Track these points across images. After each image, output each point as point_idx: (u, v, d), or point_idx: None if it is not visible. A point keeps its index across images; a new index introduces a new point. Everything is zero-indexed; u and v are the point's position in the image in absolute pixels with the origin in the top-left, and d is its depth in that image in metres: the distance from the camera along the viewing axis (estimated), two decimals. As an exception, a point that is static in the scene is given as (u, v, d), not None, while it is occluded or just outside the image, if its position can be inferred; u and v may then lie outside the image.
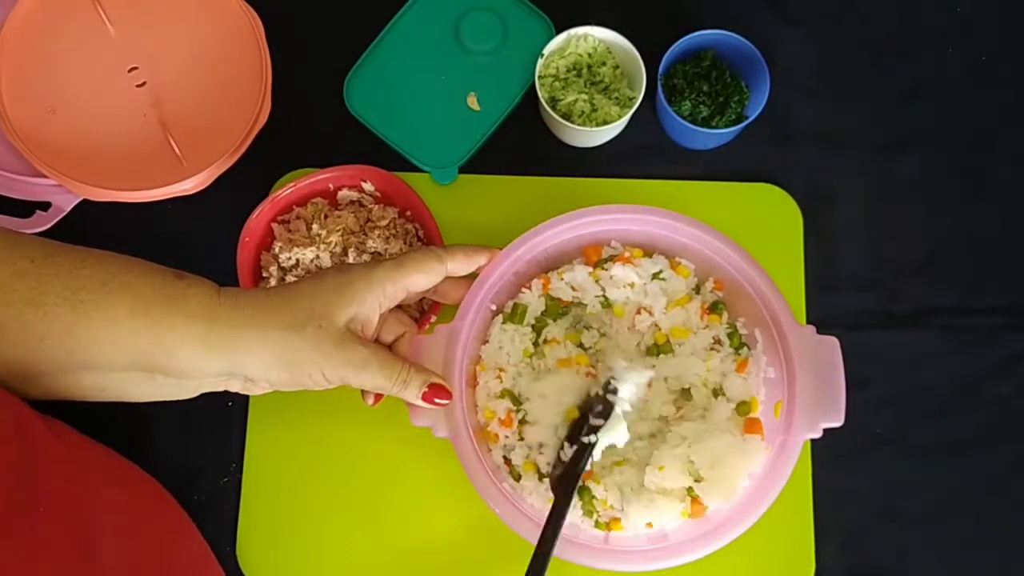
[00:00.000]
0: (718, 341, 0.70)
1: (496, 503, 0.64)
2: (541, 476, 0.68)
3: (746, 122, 0.76)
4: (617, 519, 0.67)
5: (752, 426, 0.67)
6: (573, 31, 0.78)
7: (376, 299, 0.62)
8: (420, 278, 0.64)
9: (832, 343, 0.66)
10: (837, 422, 0.64)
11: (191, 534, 0.69)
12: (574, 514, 0.67)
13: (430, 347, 0.66)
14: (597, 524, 0.67)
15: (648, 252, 0.72)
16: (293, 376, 0.61)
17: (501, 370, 0.69)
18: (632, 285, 0.70)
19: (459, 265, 0.66)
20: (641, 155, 0.81)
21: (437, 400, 0.64)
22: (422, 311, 0.74)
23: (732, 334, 0.70)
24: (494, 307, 0.70)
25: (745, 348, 0.70)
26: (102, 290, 0.56)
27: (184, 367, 0.59)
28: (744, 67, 0.78)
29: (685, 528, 0.66)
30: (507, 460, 0.69)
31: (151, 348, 0.57)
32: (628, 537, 0.67)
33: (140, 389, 0.60)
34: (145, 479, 0.68)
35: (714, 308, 0.71)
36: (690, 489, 0.66)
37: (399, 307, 0.69)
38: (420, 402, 0.63)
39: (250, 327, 0.59)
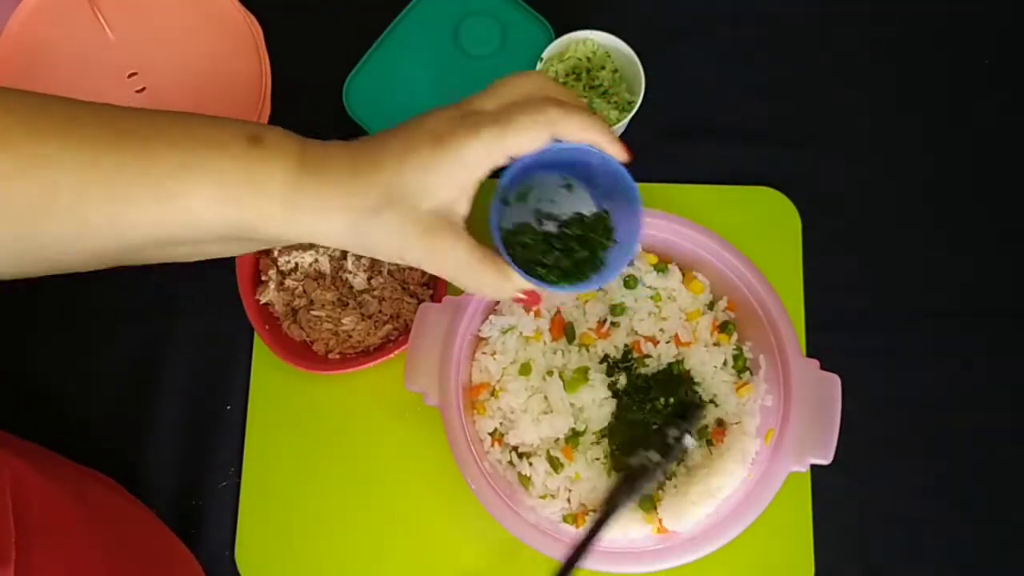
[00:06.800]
0: (725, 363, 0.71)
1: (473, 479, 0.64)
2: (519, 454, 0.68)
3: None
4: (584, 514, 0.67)
5: (719, 435, 0.68)
6: (572, 35, 0.78)
7: (472, 179, 0.54)
8: (526, 146, 0.54)
9: (833, 381, 0.65)
10: (825, 460, 0.64)
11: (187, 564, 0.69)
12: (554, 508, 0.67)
13: (436, 316, 0.66)
14: (565, 518, 0.67)
15: (664, 260, 0.71)
16: (371, 254, 0.55)
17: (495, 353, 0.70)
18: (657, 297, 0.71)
19: (573, 134, 0.55)
20: (640, 158, 0.80)
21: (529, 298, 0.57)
22: (426, 283, 0.75)
23: (738, 356, 0.70)
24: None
25: (748, 372, 0.70)
26: (182, 174, 0.52)
27: (266, 240, 0.55)
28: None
29: (655, 537, 0.66)
30: (493, 434, 0.69)
31: (232, 231, 0.54)
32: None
33: (229, 247, 0.57)
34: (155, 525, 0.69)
35: (724, 327, 0.71)
36: (649, 504, 0.66)
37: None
38: (519, 294, 0.56)
39: (328, 211, 0.53)
